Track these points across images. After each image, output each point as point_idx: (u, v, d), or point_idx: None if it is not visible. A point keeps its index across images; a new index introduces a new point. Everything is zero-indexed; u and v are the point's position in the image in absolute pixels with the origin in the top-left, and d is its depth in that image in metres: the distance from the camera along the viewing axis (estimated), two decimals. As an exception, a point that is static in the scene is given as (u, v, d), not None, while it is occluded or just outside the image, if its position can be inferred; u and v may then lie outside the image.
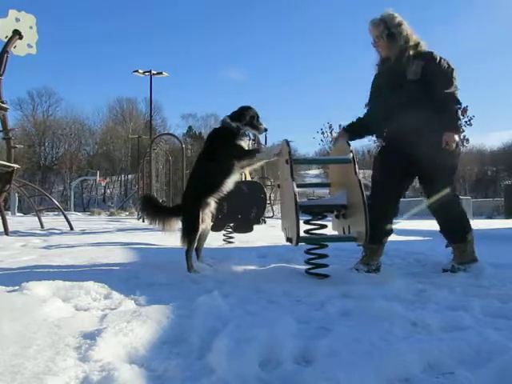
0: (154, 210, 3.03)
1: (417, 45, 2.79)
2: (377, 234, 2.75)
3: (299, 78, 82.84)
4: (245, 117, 2.85)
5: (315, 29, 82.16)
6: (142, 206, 3.26)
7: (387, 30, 2.77)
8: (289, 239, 2.71)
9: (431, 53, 2.78)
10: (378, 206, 2.75)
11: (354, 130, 3.03)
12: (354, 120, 3.06)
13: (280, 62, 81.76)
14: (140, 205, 3.00)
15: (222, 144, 2.84)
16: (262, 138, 10.63)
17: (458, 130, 2.72)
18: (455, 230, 2.88)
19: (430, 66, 2.72)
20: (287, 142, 2.68)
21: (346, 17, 78.42)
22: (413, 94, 2.73)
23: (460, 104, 2.73)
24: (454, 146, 2.68)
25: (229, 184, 2.85)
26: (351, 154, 2.65)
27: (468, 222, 2.90)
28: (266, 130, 2.96)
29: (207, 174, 2.85)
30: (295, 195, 2.43)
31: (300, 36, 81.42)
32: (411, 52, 2.75)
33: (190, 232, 2.82)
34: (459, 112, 2.74)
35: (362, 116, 3.05)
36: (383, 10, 2.85)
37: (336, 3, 78.60)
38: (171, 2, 73.50)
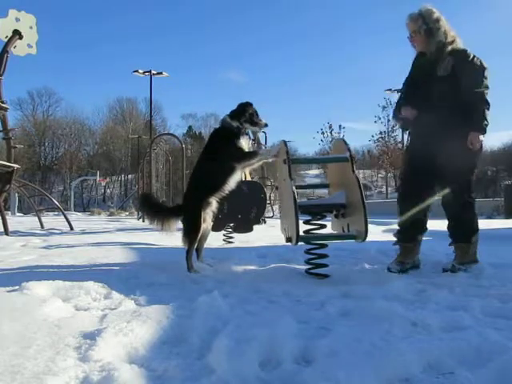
0: (154, 210, 3.02)
1: (452, 41, 2.77)
2: (410, 231, 2.82)
3: (299, 78, 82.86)
4: (244, 114, 2.85)
5: (315, 29, 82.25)
6: (141, 204, 3.25)
7: (425, 25, 2.75)
8: (288, 239, 2.71)
9: (465, 50, 2.76)
10: (410, 204, 2.78)
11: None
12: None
13: (280, 63, 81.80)
14: (139, 203, 2.99)
15: (223, 145, 2.84)
16: (262, 137, 10.49)
17: (483, 130, 2.69)
18: (463, 230, 2.86)
19: (462, 64, 2.70)
20: (285, 142, 2.69)
21: (346, 17, 78.45)
22: (441, 91, 2.71)
23: (488, 104, 2.70)
24: (478, 146, 2.67)
25: (231, 184, 2.86)
26: (348, 153, 2.65)
27: (477, 224, 2.88)
28: (266, 125, 2.97)
29: (208, 174, 2.85)
30: (294, 194, 2.43)
31: (300, 36, 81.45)
32: (448, 48, 2.74)
33: (192, 232, 2.82)
34: (487, 112, 2.69)
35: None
36: (421, 5, 2.82)
37: (336, 4, 78.63)
38: (171, 2, 73.53)
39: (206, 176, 2.87)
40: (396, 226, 3.01)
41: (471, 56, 2.73)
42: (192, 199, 2.89)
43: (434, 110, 2.77)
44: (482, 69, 2.71)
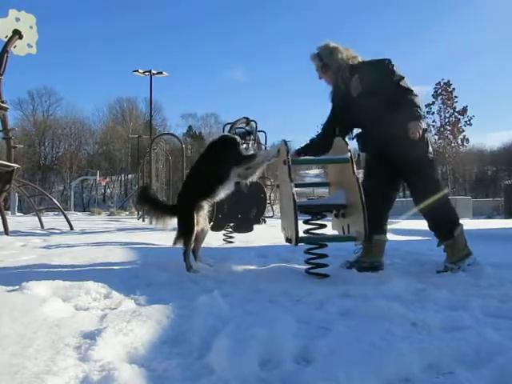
0: (151, 204, 3.03)
1: (353, 61, 2.89)
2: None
3: (299, 77, 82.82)
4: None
5: (315, 29, 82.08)
6: (138, 197, 3.25)
7: (321, 62, 2.93)
8: (288, 239, 2.71)
9: (363, 61, 2.89)
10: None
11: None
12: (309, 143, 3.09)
13: (280, 63, 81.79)
14: (136, 197, 2.98)
15: (222, 150, 2.86)
16: (262, 137, 10.53)
17: (419, 117, 2.72)
18: (441, 226, 2.86)
19: (365, 73, 2.82)
20: (285, 142, 2.68)
21: (346, 17, 78.40)
22: (365, 107, 2.77)
23: (411, 90, 2.76)
24: (421, 132, 2.70)
25: (222, 191, 2.86)
26: (349, 154, 2.65)
27: (454, 216, 2.87)
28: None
29: (203, 178, 2.86)
30: (294, 196, 2.43)
31: (300, 36, 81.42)
32: (347, 72, 2.86)
33: (185, 233, 2.82)
34: (415, 99, 2.74)
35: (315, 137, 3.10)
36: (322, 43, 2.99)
37: (336, 4, 78.59)
38: (171, 2, 73.47)
39: (201, 179, 2.87)
40: (395, 226, 3.01)
41: (368, 63, 2.86)
42: (185, 201, 2.89)
43: (369, 125, 2.82)
44: (385, 64, 2.79)
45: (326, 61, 2.90)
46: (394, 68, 2.79)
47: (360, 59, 2.91)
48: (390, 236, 2.98)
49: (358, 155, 3.21)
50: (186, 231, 2.82)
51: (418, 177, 2.82)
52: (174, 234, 2.91)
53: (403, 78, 2.77)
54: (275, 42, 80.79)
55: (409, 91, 2.75)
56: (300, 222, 2.43)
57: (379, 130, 2.74)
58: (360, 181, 2.54)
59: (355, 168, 2.59)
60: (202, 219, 2.92)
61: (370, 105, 2.75)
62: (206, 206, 2.91)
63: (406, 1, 77.46)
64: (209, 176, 2.82)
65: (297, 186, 2.64)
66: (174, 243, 2.87)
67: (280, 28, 78.65)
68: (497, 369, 1.16)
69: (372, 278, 2.54)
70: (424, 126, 2.74)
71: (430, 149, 2.88)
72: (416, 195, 2.89)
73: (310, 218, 2.78)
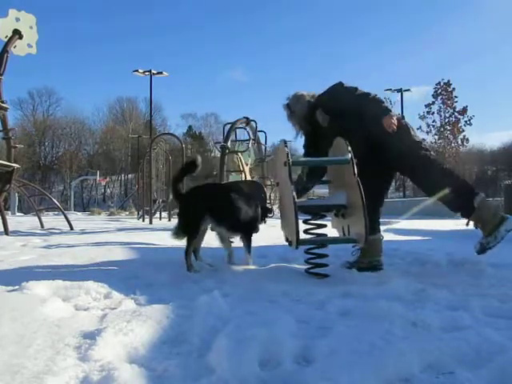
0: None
1: (312, 99, 3.07)
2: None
3: (299, 77, 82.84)
4: None
5: (315, 29, 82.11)
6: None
7: (289, 110, 3.16)
8: (288, 241, 2.71)
9: (317, 96, 3.08)
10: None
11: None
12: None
13: (280, 63, 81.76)
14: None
15: (256, 204, 3.07)
16: (262, 137, 10.46)
17: (386, 111, 2.82)
18: (456, 201, 2.76)
19: (325, 104, 2.99)
20: (285, 143, 2.66)
21: (347, 16, 78.41)
22: (341, 128, 2.85)
23: (368, 93, 2.89)
24: (395, 124, 2.76)
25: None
26: (350, 155, 2.64)
27: (466, 186, 2.79)
28: None
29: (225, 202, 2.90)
30: (294, 199, 2.42)
31: (300, 36, 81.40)
32: (309, 111, 3.04)
33: (189, 231, 2.82)
34: (375, 97, 2.88)
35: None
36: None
37: (336, 3, 78.59)
38: (171, 2, 73.47)
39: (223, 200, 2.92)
40: (395, 226, 3.01)
41: (322, 94, 3.05)
42: (197, 201, 2.86)
43: (353, 140, 2.80)
44: (338, 86, 2.98)
45: (294, 108, 3.13)
46: (345, 85, 2.97)
47: (316, 94, 3.14)
48: (390, 236, 2.98)
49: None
50: (192, 231, 2.82)
51: (415, 163, 2.83)
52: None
53: (356, 88, 2.93)
54: (275, 42, 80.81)
55: (365, 94, 2.89)
56: (300, 222, 2.43)
57: (363, 140, 2.82)
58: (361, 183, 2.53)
59: (356, 169, 2.58)
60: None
61: (344, 124, 2.88)
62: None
63: (406, 1, 77.44)
64: (228, 207, 2.86)
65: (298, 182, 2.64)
66: (176, 235, 2.86)
67: (280, 28, 78.65)
68: (497, 369, 1.16)
69: (372, 278, 2.54)
70: (394, 117, 2.80)
71: (414, 132, 2.96)
72: (422, 183, 2.89)
73: (309, 217, 2.78)
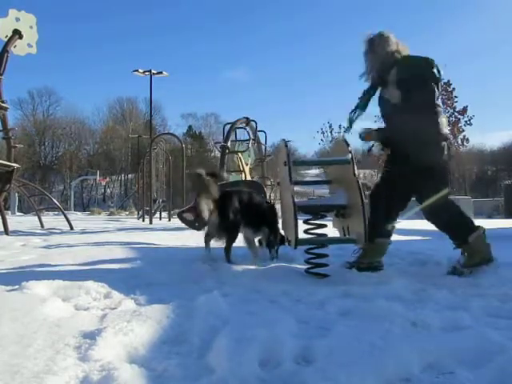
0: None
1: (395, 55, 2.86)
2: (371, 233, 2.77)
3: (299, 77, 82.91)
4: None
5: (316, 28, 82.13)
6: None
7: (370, 47, 2.92)
8: (288, 240, 2.71)
9: (405, 56, 2.85)
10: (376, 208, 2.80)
11: None
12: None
13: (280, 62, 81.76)
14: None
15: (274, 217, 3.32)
16: (262, 137, 10.43)
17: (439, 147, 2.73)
18: (453, 232, 2.81)
19: (404, 68, 2.77)
20: (285, 143, 2.66)
21: (347, 15, 78.42)
22: (394, 103, 2.75)
23: (438, 109, 2.75)
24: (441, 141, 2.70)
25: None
26: (350, 155, 2.64)
27: (467, 222, 2.81)
28: None
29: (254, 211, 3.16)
30: (293, 198, 2.42)
31: (300, 36, 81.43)
32: (392, 61, 2.83)
33: (231, 238, 3.06)
34: (440, 119, 2.75)
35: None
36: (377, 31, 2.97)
37: (337, 3, 78.61)
38: (171, 2, 73.47)
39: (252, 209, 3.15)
40: (396, 226, 3.00)
41: (414, 57, 2.85)
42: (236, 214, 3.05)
43: (390, 121, 2.81)
44: (428, 62, 2.77)
45: (377, 49, 2.89)
46: (434, 71, 2.75)
47: (405, 53, 2.89)
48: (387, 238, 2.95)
49: (369, 150, 3.17)
50: (233, 235, 3.07)
51: (429, 181, 2.74)
52: (174, 235, 2.91)
53: (437, 84, 2.75)
54: (275, 41, 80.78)
55: (434, 109, 2.73)
56: (300, 222, 2.43)
57: (398, 129, 2.72)
58: (361, 182, 2.53)
59: (356, 169, 2.58)
60: None
61: (398, 101, 2.72)
62: None
63: (406, 1, 77.48)
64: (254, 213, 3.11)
65: (297, 183, 2.64)
66: (219, 236, 3.08)
67: (280, 28, 78.62)
68: (497, 369, 1.17)
69: (372, 278, 2.54)
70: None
71: (445, 156, 2.81)
72: (426, 198, 2.81)
73: (309, 217, 2.78)
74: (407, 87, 2.71)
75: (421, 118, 2.66)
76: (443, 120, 2.82)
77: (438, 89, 2.79)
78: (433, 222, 2.88)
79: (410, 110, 2.67)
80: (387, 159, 2.98)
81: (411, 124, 2.65)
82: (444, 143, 2.79)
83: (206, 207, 2.93)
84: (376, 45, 2.91)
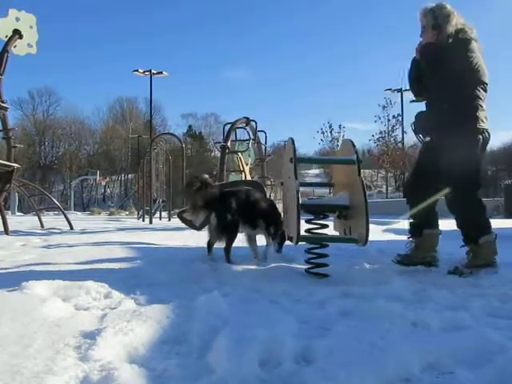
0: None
1: (458, 33, 2.72)
2: (417, 226, 2.85)
3: (299, 77, 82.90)
4: None
5: (316, 29, 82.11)
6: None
7: (433, 21, 2.73)
8: (289, 238, 2.71)
9: (463, 39, 2.70)
10: (415, 200, 2.83)
11: None
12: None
13: (280, 63, 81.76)
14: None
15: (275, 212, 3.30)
16: (262, 137, 10.43)
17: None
18: (468, 230, 2.78)
19: (461, 53, 2.65)
20: (292, 141, 2.68)
21: (347, 16, 78.43)
22: (440, 85, 2.67)
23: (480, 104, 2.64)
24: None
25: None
26: (356, 155, 2.64)
27: (484, 224, 2.76)
28: None
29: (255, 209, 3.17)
30: (298, 194, 2.43)
31: (301, 36, 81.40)
32: (450, 41, 2.70)
33: (230, 238, 3.07)
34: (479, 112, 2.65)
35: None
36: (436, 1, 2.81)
37: (337, 3, 78.62)
38: (172, 2, 73.46)
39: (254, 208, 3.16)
40: (395, 226, 3.00)
41: (470, 44, 2.68)
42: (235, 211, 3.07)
43: (434, 105, 2.75)
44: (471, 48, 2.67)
45: (441, 21, 2.72)
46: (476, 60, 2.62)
47: (469, 33, 2.74)
48: (390, 236, 2.97)
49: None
50: (233, 235, 3.08)
51: (458, 175, 2.67)
52: (174, 235, 2.92)
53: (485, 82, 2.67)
54: (275, 42, 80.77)
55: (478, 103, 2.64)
56: (302, 222, 2.43)
57: (438, 118, 2.68)
58: (364, 182, 2.53)
59: (361, 170, 2.58)
60: None
61: (446, 87, 2.65)
62: None
63: (405, 1, 77.51)
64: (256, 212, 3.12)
65: (302, 184, 2.64)
66: (219, 238, 3.10)
67: (280, 28, 78.63)
68: (497, 369, 1.17)
69: (372, 278, 2.54)
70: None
71: (479, 151, 2.73)
72: (451, 199, 2.79)
73: (312, 217, 2.78)
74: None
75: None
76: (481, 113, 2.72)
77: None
78: (452, 213, 2.83)
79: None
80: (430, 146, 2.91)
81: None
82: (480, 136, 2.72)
83: (195, 214, 3.11)
84: (439, 17, 2.75)
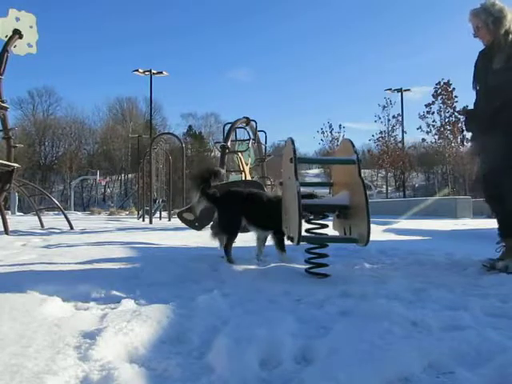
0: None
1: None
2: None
3: (299, 77, 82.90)
4: None
5: (316, 29, 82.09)
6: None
7: (492, 17, 2.68)
8: (290, 238, 2.71)
9: None
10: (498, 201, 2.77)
11: None
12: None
13: (280, 63, 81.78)
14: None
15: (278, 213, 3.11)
16: (262, 136, 10.45)
17: None
18: (509, 222, 2.73)
19: None
20: (292, 141, 2.68)
21: (347, 16, 78.41)
22: (489, 85, 2.61)
23: None
24: None
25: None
26: (356, 155, 2.64)
27: None
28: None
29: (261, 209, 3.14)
30: (298, 194, 2.42)
31: (301, 36, 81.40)
32: (510, 37, 2.63)
33: (231, 236, 3.09)
34: None
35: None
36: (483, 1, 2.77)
37: (337, 3, 78.59)
38: (173, 3, 73.42)
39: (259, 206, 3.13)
40: (395, 226, 3.00)
41: None
42: (237, 207, 3.09)
43: (488, 105, 2.67)
44: None
45: (498, 15, 2.65)
46: None
47: None
48: (390, 236, 2.97)
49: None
50: (232, 234, 3.09)
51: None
52: (174, 235, 2.91)
53: None
54: (275, 42, 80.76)
55: None
56: (302, 222, 2.43)
57: (492, 119, 2.60)
58: (365, 182, 2.52)
59: (361, 169, 2.58)
60: None
61: (500, 88, 2.59)
62: None
63: (406, 1, 77.48)
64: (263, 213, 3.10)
65: (302, 184, 2.63)
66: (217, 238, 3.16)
67: (280, 29, 78.61)
68: (497, 368, 1.16)
69: (372, 278, 2.54)
70: None
71: None
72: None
73: (312, 217, 2.78)
74: None
75: None
76: None
77: None
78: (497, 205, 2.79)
79: None
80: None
81: None
82: None
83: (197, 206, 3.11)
84: (495, 13, 2.69)
